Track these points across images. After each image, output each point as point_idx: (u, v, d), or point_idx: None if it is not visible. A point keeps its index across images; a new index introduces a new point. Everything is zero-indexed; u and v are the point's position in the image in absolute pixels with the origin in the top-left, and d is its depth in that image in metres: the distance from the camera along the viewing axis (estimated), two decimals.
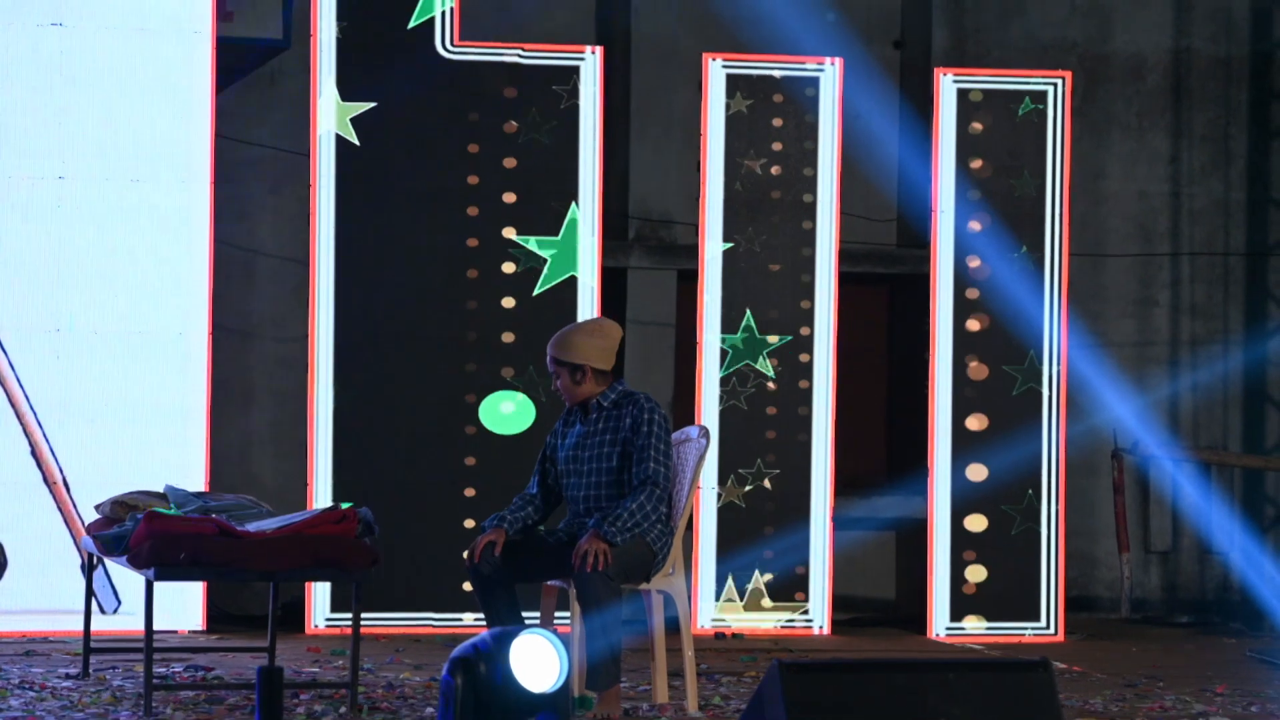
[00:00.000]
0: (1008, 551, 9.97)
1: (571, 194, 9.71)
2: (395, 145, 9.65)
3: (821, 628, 9.88)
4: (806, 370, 9.96)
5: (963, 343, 10.02)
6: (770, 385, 9.94)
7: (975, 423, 10.02)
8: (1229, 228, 11.92)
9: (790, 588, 9.88)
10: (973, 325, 10.02)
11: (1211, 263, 11.88)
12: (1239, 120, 11.92)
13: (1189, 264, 11.86)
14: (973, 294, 10.01)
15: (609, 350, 7.15)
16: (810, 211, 10.00)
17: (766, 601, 9.85)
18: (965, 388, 10.01)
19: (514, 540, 7.06)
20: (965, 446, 10.00)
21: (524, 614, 7.09)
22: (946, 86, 10.05)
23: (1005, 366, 10.00)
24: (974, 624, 9.92)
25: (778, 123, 9.99)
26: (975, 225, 10.01)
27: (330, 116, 9.55)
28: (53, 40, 9.34)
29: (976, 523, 9.98)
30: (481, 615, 7.26)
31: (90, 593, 7.90)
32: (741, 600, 9.84)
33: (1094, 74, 11.77)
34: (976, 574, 9.96)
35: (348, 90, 9.58)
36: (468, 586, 9.25)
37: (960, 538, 9.97)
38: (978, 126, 10.04)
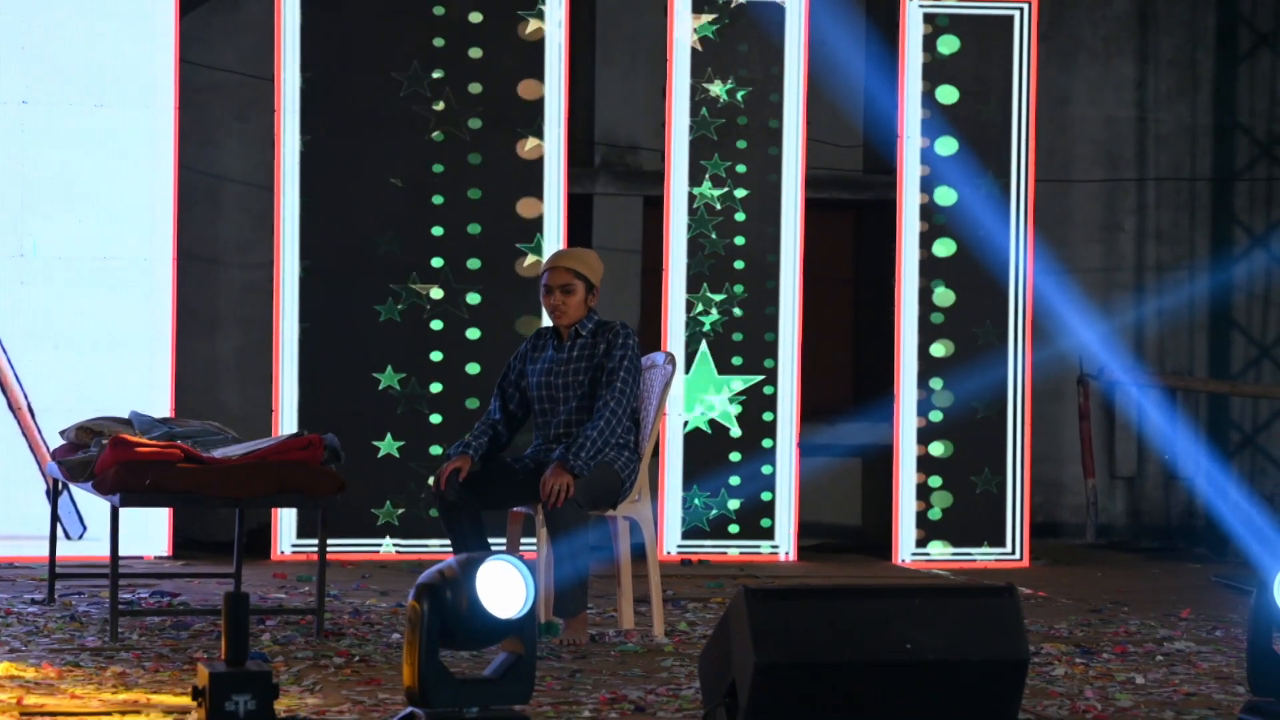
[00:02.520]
0: (974, 477, 9.99)
1: (537, 119, 9.68)
2: (360, 70, 9.59)
3: (788, 554, 9.91)
4: (773, 297, 9.95)
5: (929, 269, 10.02)
6: (736, 311, 9.94)
7: (941, 349, 10.03)
8: (1195, 153, 11.92)
9: (757, 514, 9.90)
10: (939, 251, 10.02)
11: (1178, 188, 11.89)
12: (1206, 45, 11.91)
13: (1155, 189, 11.87)
14: (939, 220, 10.01)
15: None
16: (776, 137, 9.97)
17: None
18: (931, 314, 10.02)
19: (479, 468, 7.06)
20: (931, 373, 10.02)
21: (490, 540, 7.10)
22: (913, 11, 10.02)
23: (971, 306, 10.01)
24: (939, 550, 9.96)
25: (744, 48, 9.95)
26: (942, 151, 9.99)
27: (294, 41, 9.49)
28: None
29: (942, 449, 10.00)
30: (448, 542, 7.26)
31: (55, 519, 7.89)
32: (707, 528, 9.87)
33: None
34: (942, 500, 9.99)
35: (312, 13, 9.51)
36: (434, 513, 9.26)
37: (926, 464, 9.99)
38: (943, 52, 10.01)
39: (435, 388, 9.63)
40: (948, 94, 10.00)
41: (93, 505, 8.96)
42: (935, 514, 9.98)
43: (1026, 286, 10.04)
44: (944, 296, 10.02)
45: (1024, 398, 10.04)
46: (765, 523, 9.91)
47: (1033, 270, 10.07)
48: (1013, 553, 10.02)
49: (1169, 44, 11.87)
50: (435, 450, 9.56)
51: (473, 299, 9.67)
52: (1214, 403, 11.90)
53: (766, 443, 9.90)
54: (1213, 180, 11.92)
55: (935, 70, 10.00)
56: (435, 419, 9.62)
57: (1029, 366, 10.06)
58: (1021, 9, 10.08)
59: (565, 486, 6.85)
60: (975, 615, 5.17)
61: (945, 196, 9.99)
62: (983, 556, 10.00)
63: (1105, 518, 11.62)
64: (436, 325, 9.65)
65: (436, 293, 9.65)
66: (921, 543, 9.98)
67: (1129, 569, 10.18)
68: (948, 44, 10.02)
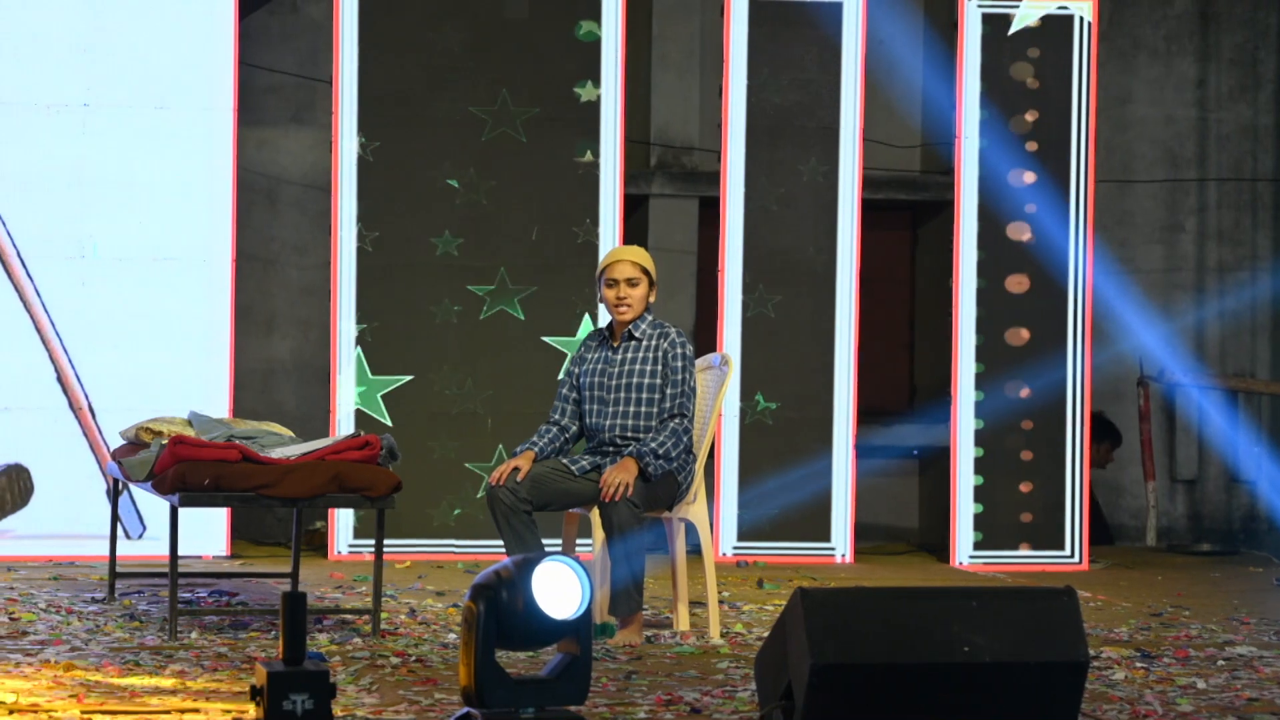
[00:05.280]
0: (1033, 480, 9.94)
1: (593, 121, 9.68)
2: (417, 72, 9.61)
3: (844, 556, 9.88)
4: (829, 297, 9.91)
5: (987, 269, 9.97)
6: (792, 312, 9.91)
7: (999, 350, 9.97)
8: (1257, 153, 11.84)
9: (813, 516, 9.86)
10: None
11: (1239, 188, 11.81)
12: (1268, 43, 11.82)
13: (1216, 189, 11.79)
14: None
15: None
16: (833, 137, 9.93)
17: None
18: (990, 315, 9.96)
19: (536, 469, 7.05)
20: (989, 373, 9.96)
21: (544, 541, 7.09)
22: (971, 11, 9.98)
23: (1031, 295, 9.96)
24: (998, 552, 9.90)
25: (800, 47, 9.92)
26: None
27: (353, 43, 9.53)
28: None
29: (1001, 451, 9.93)
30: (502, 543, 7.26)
31: (116, 518, 7.93)
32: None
33: None
34: (1005, 498, 9.93)
35: (370, 15, 9.53)
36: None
37: (984, 466, 9.93)
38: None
39: (491, 390, 9.64)
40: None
41: (152, 505, 9.01)
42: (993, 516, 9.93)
43: (1086, 287, 9.98)
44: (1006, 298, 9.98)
45: (1084, 399, 9.98)
46: (821, 524, 9.87)
47: (1092, 271, 10.02)
48: (1072, 556, 9.97)
49: (1230, 43, 11.79)
50: (491, 450, 9.57)
51: (529, 301, 9.67)
52: (1276, 405, 11.82)
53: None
54: (1275, 180, 11.83)
55: (994, 70, 9.94)
56: (490, 421, 9.62)
57: (1089, 368, 10.00)
58: (1082, 8, 10.01)
59: (626, 485, 6.84)
60: (1033, 618, 5.14)
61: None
62: (1041, 559, 9.94)
63: (1166, 520, 11.55)
64: (493, 327, 9.66)
65: (493, 295, 9.66)
66: (980, 545, 9.94)
67: (1190, 572, 10.10)
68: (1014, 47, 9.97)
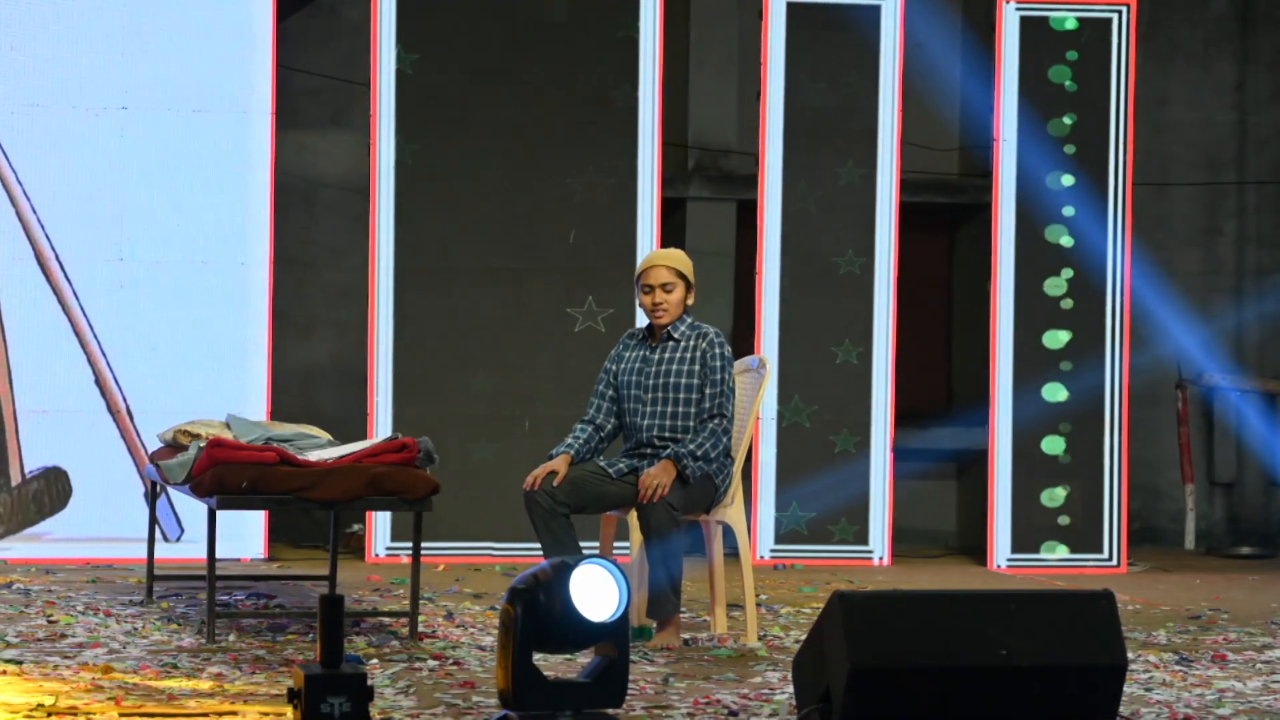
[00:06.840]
0: (1071, 483, 9.91)
1: (631, 124, 9.68)
2: (455, 74, 9.62)
3: (882, 559, 9.86)
4: (867, 300, 9.90)
5: (1025, 274, 9.95)
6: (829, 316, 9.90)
7: (1038, 353, 9.95)
8: None
9: (851, 519, 9.85)
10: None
11: (1278, 191, 11.76)
12: None
13: (1255, 192, 11.74)
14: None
15: None
16: (871, 140, 9.92)
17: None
18: (1028, 318, 9.94)
19: (573, 472, 7.05)
20: (1027, 376, 9.93)
21: (581, 544, 7.09)
22: (1009, 13, 9.96)
23: (1069, 298, 9.94)
24: (1036, 555, 9.88)
25: (838, 51, 9.91)
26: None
27: (390, 46, 9.55)
28: None
29: (1038, 454, 9.91)
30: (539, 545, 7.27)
31: (154, 521, 7.96)
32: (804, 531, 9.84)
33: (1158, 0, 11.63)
34: (1043, 501, 9.91)
35: (408, 18, 9.55)
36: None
37: (1020, 468, 9.91)
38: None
39: (527, 392, 9.65)
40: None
41: (190, 508, 9.03)
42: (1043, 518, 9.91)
43: (1124, 290, 9.95)
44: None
45: (1122, 402, 9.95)
46: (859, 527, 9.86)
47: (1130, 274, 9.99)
48: (1110, 559, 9.93)
49: (1269, 45, 11.74)
50: (528, 452, 9.58)
51: (566, 303, 9.67)
52: None
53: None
54: None
55: (1032, 72, 9.92)
56: (528, 423, 9.63)
57: (1126, 371, 9.97)
58: (1120, 11, 9.99)
59: (663, 486, 6.83)
60: (1071, 621, 5.13)
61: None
62: (1079, 562, 9.92)
63: (1204, 524, 11.51)
64: (531, 329, 9.67)
65: (531, 297, 9.67)
66: (1017, 548, 9.91)
67: (1228, 576, 10.07)
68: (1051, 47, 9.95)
